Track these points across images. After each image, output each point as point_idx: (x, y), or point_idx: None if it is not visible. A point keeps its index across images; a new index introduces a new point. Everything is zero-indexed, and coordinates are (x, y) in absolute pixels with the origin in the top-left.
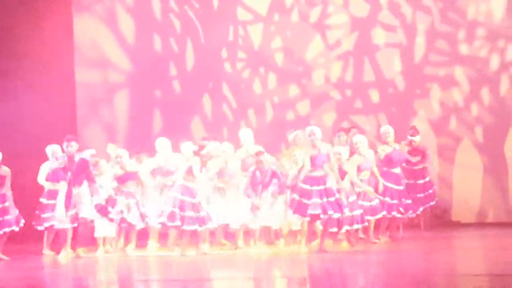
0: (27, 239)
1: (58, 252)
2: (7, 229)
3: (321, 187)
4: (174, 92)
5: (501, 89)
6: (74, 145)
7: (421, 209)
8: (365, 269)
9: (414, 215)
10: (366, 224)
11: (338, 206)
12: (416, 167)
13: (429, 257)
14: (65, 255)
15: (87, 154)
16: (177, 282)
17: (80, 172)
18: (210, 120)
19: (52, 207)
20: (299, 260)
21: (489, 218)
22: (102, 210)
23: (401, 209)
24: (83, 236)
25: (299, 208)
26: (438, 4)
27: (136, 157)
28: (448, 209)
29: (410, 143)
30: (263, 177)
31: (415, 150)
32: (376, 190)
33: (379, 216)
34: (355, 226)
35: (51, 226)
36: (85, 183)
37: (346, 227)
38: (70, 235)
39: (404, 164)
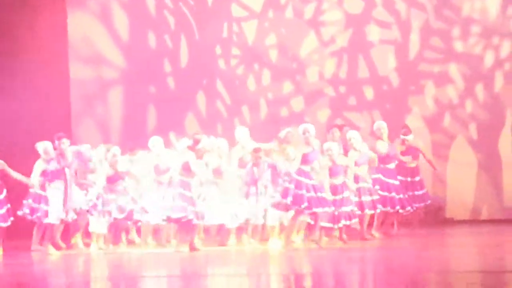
0: (15, 235)
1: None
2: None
3: (310, 181)
4: (168, 88)
5: (495, 86)
6: (65, 142)
7: (414, 206)
8: (358, 266)
9: (409, 209)
10: (357, 219)
11: (324, 202)
12: (410, 165)
13: (423, 254)
14: (54, 249)
15: (83, 148)
16: (172, 278)
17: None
18: (204, 116)
19: (45, 200)
20: (291, 256)
21: (483, 215)
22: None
23: (397, 207)
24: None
25: (295, 199)
26: (432, 1)
27: (130, 154)
28: (442, 206)
29: (403, 142)
30: (260, 173)
31: (408, 149)
32: (374, 185)
33: (377, 211)
34: (346, 222)
35: (41, 221)
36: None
37: (339, 224)
38: (60, 229)
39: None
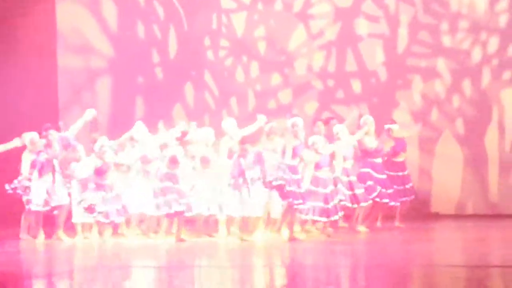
0: (2, 223)
1: (35, 236)
2: None
3: (298, 176)
4: (157, 79)
5: (482, 82)
6: (53, 134)
7: (400, 200)
8: (342, 259)
9: (396, 204)
10: (342, 213)
11: (306, 197)
12: (396, 159)
13: (408, 247)
14: (41, 238)
15: (66, 134)
16: (157, 269)
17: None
18: (192, 107)
19: (31, 189)
20: (275, 249)
21: (468, 210)
22: (90, 209)
23: (385, 201)
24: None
25: (287, 194)
26: None
27: (118, 143)
28: (427, 200)
29: (389, 133)
30: (247, 165)
31: (396, 143)
32: (360, 180)
33: (365, 204)
34: (334, 217)
35: (29, 208)
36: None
37: (330, 218)
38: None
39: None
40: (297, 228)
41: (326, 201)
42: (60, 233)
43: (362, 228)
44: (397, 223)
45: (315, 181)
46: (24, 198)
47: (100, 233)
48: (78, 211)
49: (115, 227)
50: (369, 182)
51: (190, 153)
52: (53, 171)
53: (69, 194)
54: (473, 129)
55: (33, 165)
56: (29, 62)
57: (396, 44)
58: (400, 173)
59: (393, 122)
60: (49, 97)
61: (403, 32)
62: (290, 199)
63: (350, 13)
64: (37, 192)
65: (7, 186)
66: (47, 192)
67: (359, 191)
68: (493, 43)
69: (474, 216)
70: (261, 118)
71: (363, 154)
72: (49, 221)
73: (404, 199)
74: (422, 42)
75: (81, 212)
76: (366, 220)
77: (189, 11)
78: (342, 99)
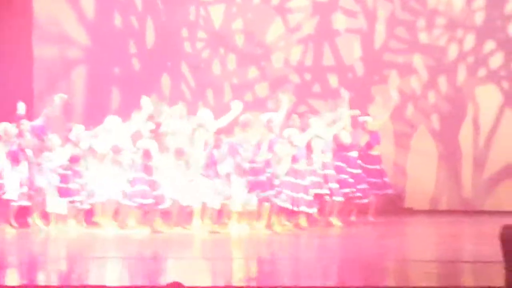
0: None
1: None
2: None
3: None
4: (133, 69)
5: (458, 79)
6: (25, 123)
7: (374, 194)
8: (315, 253)
9: (366, 200)
10: (318, 206)
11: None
12: (372, 153)
13: (381, 242)
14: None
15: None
16: (130, 260)
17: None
18: (168, 99)
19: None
20: (250, 241)
21: (442, 205)
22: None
23: (358, 195)
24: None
25: (256, 187)
26: None
27: (94, 133)
28: (401, 195)
29: (363, 125)
30: (221, 156)
31: (371, 137)
32: (337, 172)
33: (338, 199)
34: (308, 209)
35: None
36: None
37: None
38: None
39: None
40: (273, 220)
41: (302, 193)
42: (36, 219)
43: (336, 222)
44: (370, 218)
45: (293, 173)
46: None
47: (75, 221)
48: (52, 200)
49: (89, 215)
50: (344, 176)
51: (165, 145)
52: (27, 160)
53: (44, 183)
54: (448, 125)
55: (7, 156)
56: (4, 51)
57: (373, 39)
58: (377, 166)
59: (368, 115)
60: (24, 86)
61: (380, 28)
62: (259, 191)
63: (328, 8)
64: (10, 182)
65: None
66: (21, 182)
67: (334, 185)
68: (469, 40)
69: (448, 212)
70: (237, 105)
71: (339, 148)
72: (22, 210)
73: (379, 192)
74: (399, 38)
75: (56, 201)
76: (340, 214)
77: (167, 2)
78: (318, 93)
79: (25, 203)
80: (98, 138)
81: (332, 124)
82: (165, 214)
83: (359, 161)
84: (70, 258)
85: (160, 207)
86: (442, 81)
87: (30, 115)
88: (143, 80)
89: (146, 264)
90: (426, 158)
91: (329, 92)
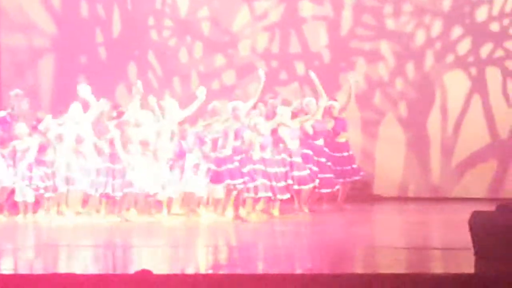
0: None
1: None
2: None
3: (241, 156)
4: (100, 58)
5: (425, 65)
6: None
7: (342, 181)
8: (284, 240)
9: (329, 190)
10: (288, 194)
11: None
12: (339, 140)
13: (349, 229)
14: None
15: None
16: (98, 248)
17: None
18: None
19: None
20: (219, 229)
21: (410, 192)
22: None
23: (325, 181)
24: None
25: (216, 177)
26: None
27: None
28: (369, 182)
29: (330, 110)
30: (188, 146)
31: (337, 123)
32: (305, 160)
33: (309, 186)
34: (280, 196)
35: None
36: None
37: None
38: None
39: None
40: (245, 208)
41: (271, 180)
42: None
43: (304, 209)
44: (340, 205)
45: (261, 161)
46: None
47: (42, 210)
48: (20, 189)
49: (56, 204)
50: (309, 165)
51: (128, 136)
52: None
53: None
54: (416, 112)
55: None
56: None
57: (339, 26)
58: (346, 153)
59: (335, 100)
60: None
61: (347, 14)
62: (227, 179)
63: None
64: None
65: None
66: None
67: (301, 172)
68: (436, 27)
69: (416, 199)
70: (201, 91)
71: (305, 136)
72: None
73: (349, 179)
74: (365, 25)
75: (24, 190)
76: (309, 202)
77: None
78: (285, 81)
79: None
80: (64, 126)
81: (300, 113)
82: (133, 203)
83: (326, 149)
84: (39, 246)
85: (128, 195)
86: (410, 67)
87: None
88: (110, 69)
89: (115, 252)
90: (394, 145)
91: (295, 79)
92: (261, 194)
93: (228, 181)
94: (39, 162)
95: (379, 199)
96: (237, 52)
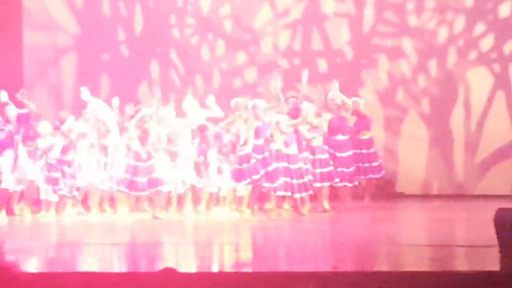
0: None
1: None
2: None
3: (262, 155)
4: (122, 56)
5: (448, 62)
6: (11, 108)
7: (367, 178)
8: (308, 238)
9: (351, 184)
10: (311, 192)
11: (277, 174)
12: (362, 137)
13: (373, 227)
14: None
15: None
16: (125, 246)
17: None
18: (157, 85)
19: None
20: (241, 227)
21: (434, 190)
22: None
23: (346, 178)
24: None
25: (239, 175)
26: None
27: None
28: (393, 180)
29: (354, 106)
30: (209, 147)
31: (360, 119)
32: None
33: (327, 184)
34: (302, 194)
35: None
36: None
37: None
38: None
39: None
40: (268, 205)
41: (295, 177)
42: (25, 207)
43: (326, 206)
44: (366, 202)
45: (284, 157)
46: None
47: (63, 209)
48: (44, 188)
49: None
50: (330, 162)
51: (149, 133)
52: (15, 148)
53: (34, 171)
54: (439, 109)
55: None
56: None
57: (361, 23)
58: (368, 150)
59: (359, 96)
60: (14, 74)
61: (368, 11)
62: (248, 177)
63: None
64: (3, 171)
65: None
66: (7, 170)
67: (323, 170)
68: (459, 23)
69: (440, 196)
70: (218, 111)
71: (329, 133)
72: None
73: (372, 176)
74: (387, 22)
75: (47, 189)
76: (332, 199)
77: None
78: (308, 78)
79: (14, 188)
80: (87, 123)
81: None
82: (158, 201)
83: (349, 146)
84: (62, 245)
85: (154, 191)
86: (432, 64)
87: (21, 103)
88: (132, 67)
89: (140, 250)
90: (417, 143)
91: (318, 77)
92: (281, 192)
93: (250, 179)
94: (61, 162)
95: (403, 196)
96: (259, 49)
